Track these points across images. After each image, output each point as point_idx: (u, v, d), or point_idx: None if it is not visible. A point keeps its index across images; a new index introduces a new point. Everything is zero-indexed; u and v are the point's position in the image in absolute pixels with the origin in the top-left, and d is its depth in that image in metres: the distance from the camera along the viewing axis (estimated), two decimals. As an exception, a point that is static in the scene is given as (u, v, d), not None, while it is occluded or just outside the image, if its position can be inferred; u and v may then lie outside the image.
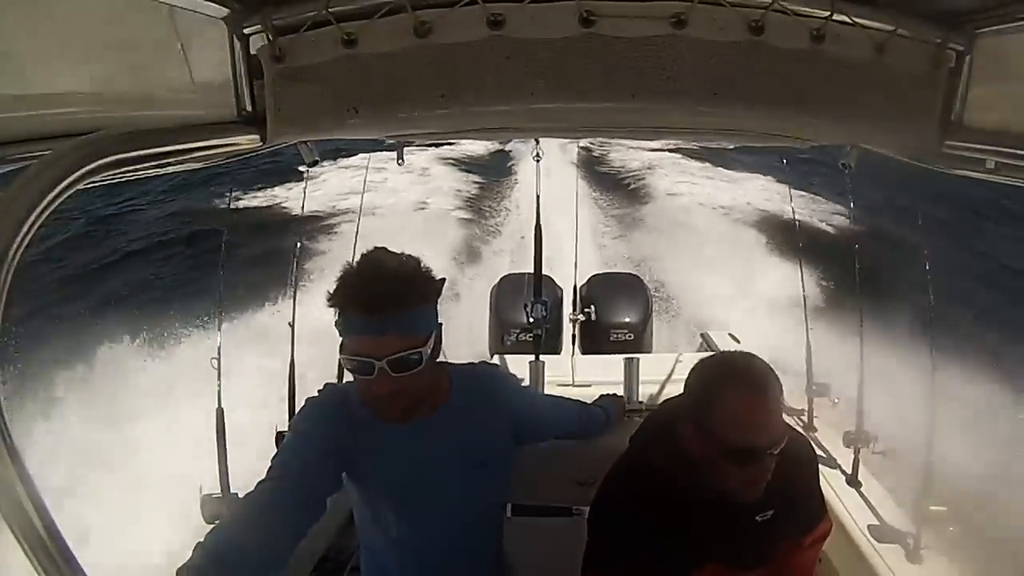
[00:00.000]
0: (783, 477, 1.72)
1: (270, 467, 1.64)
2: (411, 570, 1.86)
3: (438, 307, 1.68)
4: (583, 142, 13.72)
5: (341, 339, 1.62)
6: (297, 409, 3.19)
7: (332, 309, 1.61)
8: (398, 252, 1.68)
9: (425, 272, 1.66)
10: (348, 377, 3.47)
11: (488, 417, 1.87)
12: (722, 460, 1.56)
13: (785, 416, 3.34)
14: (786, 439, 1.57)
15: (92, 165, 0.90)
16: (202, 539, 1.43)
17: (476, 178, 14.49)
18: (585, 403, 2.51)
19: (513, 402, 1.97)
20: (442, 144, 14.37)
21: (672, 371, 3.95)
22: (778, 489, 1.72)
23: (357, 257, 1.64)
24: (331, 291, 1.61)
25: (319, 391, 1.83)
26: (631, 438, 1.92)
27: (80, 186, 0.89)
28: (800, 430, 2.87)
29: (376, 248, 1.69)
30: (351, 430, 1.71)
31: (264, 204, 12.46)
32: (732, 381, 1.56)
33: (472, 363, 1.98)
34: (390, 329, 1.56)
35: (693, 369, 1.68)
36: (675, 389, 3.63)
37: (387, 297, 1.55)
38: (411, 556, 1.84)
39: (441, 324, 1.69)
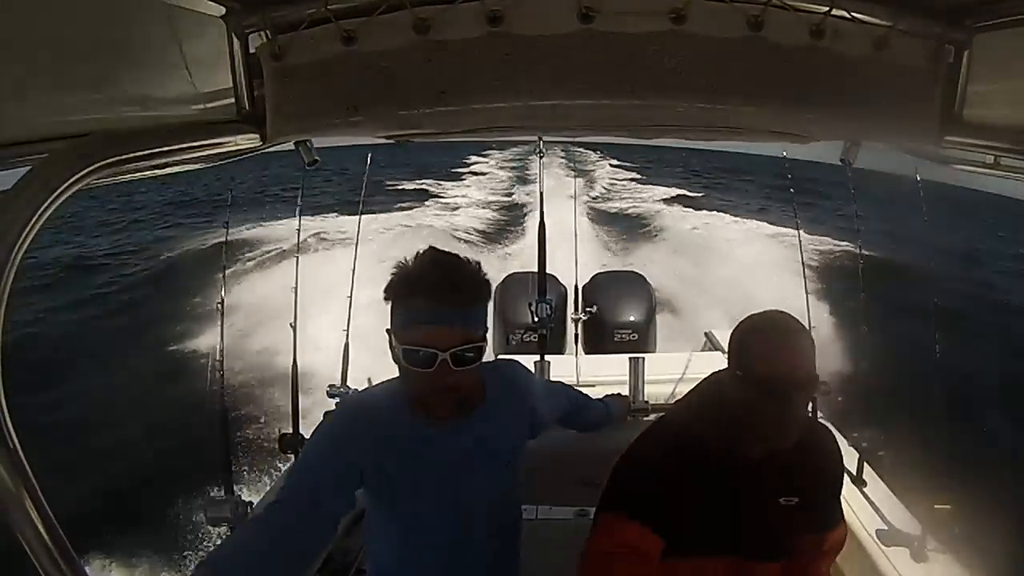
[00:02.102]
0: (810, 466, 1.78)
1: (283, 486, 1.63)
2: (430, 573, 1.85)
3: (488, 311, 1.71)
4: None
5: (398, 332, 1.62)
6: (302, 414, 3.22)
7: (388, 302, 1.63)
8: (456, 253, 1.69)
9: (484, 273, 1.69)
10: (349, 380, 3.48)
11: (513, 417, 1.87)
12: (756, 396, 1.62)
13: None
14: (817, 386, 1.67)
15: (92, 166, 0.91)
16: (204, 557, 1.42)
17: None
18: (587, 395, 2.51)
19: (535, 401, 1.98)
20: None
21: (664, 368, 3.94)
22: (805, 477, 1.77)
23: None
24: (390, 284, 1.62)
25: (339, 405, 1.82)
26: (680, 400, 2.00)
27: (80, 187, 0.89)
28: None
29: (432, 248, 1.69)
30: (380, 442, 1.69)
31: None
32: (762, 323, 1.70)
33: (495, 362, 1.97)
34: (457, 321, 1.57)
35: (734, 328, 1.77)
36: (682, 389, 3.64)
37: (458, 289, 1.58)
38: (430, 559, 1.83)
39: (488, 328, 1.70)
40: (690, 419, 1.82)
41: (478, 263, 1.70)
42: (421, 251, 1.66)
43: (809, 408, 3.40)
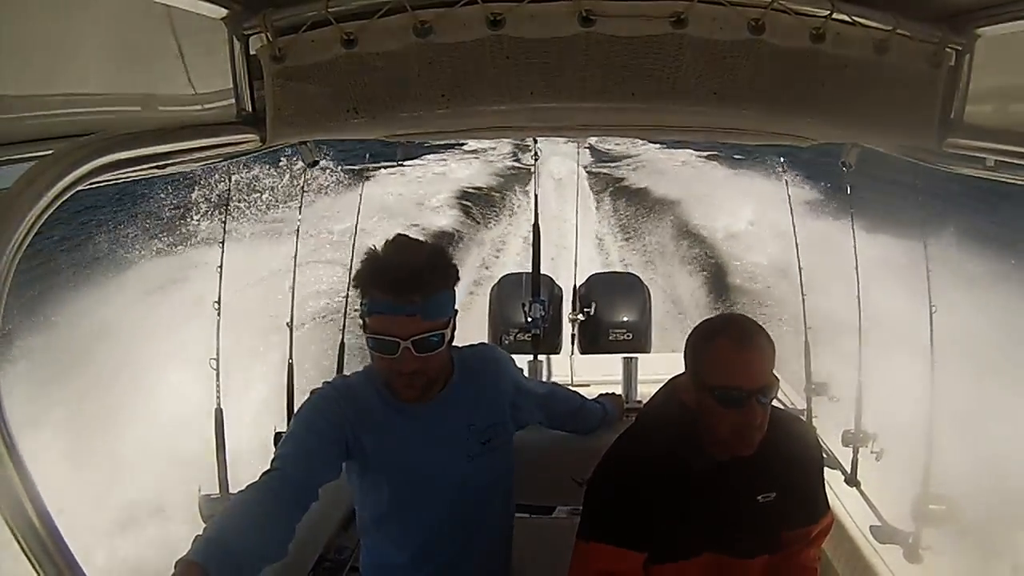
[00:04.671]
0: (784, 460, 1.76)
1: (273, 459, 1.68)
2: (420, 559, 1.87)
3: (455, 294, 1.75)
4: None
5: (364, 319, 1.68)
6: (296, 408, 3.22)
7: (356, 290, 1.70)
8: (422, 240, 1.76)
9: (448, 259, 1.75)
10: (346, 369, 3.49)
11: (490, 395, 1.91)
12: (712, 404, 1.62)
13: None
14: (776, 390, 1.65)
15: (93, 165, 0.90)
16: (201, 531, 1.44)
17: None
18: (583, 396, 2.51)
19: (511, 380, 2.01)
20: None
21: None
22: (780, 472, 1.76)
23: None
24: (358, 272, 1.69)
25: (323, 384, 1.86)
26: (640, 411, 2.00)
27: (81, 186, 0.89)
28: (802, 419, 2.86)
29: (399, 234, 1.77)
30: (358, 417, 1.76)
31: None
32: (718, 329, 1.69)
33: (471, 345, 2.02)
34: (416, 311, 1.62)
35: (690, 333, 1.76)
36: None
37: (415, 281, 1.61)
38: (420, 543, 1.85)
39: (457, 311, 1.75)
40: (651, 429, 1.82)
41: (442, 247, 1.79)
42: (389, 239, 1.72)
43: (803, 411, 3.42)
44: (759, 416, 1.61)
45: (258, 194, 10.88)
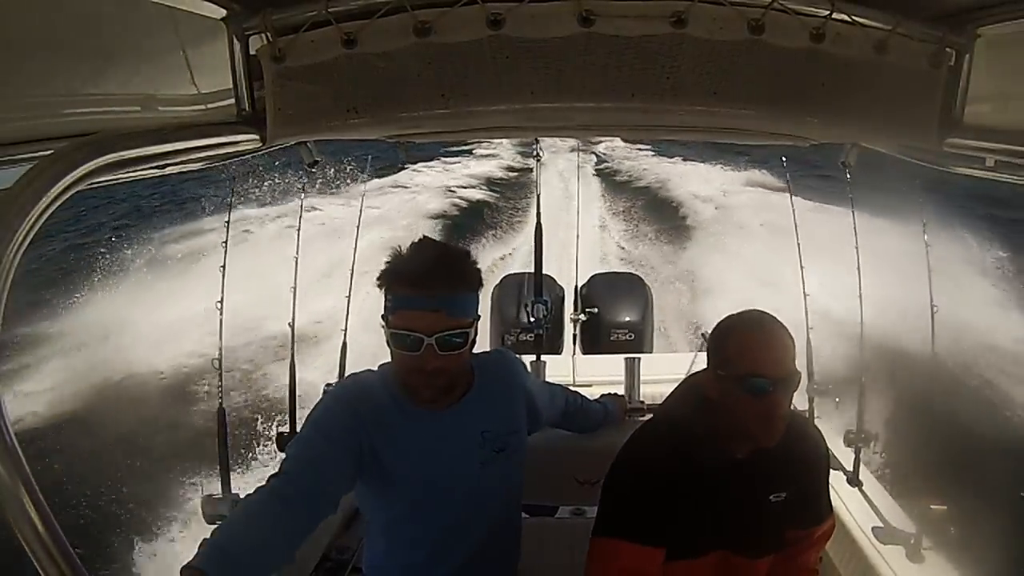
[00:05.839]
0: (796, 460, 1.79)
1: (282, 462, 1.65)
2: (433, 560, 1.86)
3: (479, 298, 1.74)
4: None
5: (388, 317, 1.66)
6: (298, 411, 3.22)
7: (381, 288, 1.68)
8: (446, 242, 1.72)
9: (473, 262, 1.74)
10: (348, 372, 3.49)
11: (506, 403, 1.90)
12: (738, 394, 1.64)
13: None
14: (798, 381, 1.68)
15: (93, 165, 0.90)
16: (208, 537, 1.44)
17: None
18: (584, 395, 2.51)
19: (526, 387, 2.01)
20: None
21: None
22: (792, 472, 1.78)
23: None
24: (382, 271, 1.67)
25: (337, 384, 1.84)
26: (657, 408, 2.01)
27: (81, 186, 0.89)
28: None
29: (425, 236, 1.77)
30: (371, 421, 1.73)
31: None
32: (741, 321, 1.73)
33: (487, 351, 2.01)
34: (441, 307, 1.61)
35: (712, 329, 1.79)
36: None
37: (441, 276, 1.62)
38: (432, 546, 1.84)
39: (479, 316, 1.73)
40: (672, 426, 1.83)
41: (468, 251, 1.77)
42: (415, 240, 1.72)
43: (806, 411, 3.42)
44: (783, 405, 1.65)
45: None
